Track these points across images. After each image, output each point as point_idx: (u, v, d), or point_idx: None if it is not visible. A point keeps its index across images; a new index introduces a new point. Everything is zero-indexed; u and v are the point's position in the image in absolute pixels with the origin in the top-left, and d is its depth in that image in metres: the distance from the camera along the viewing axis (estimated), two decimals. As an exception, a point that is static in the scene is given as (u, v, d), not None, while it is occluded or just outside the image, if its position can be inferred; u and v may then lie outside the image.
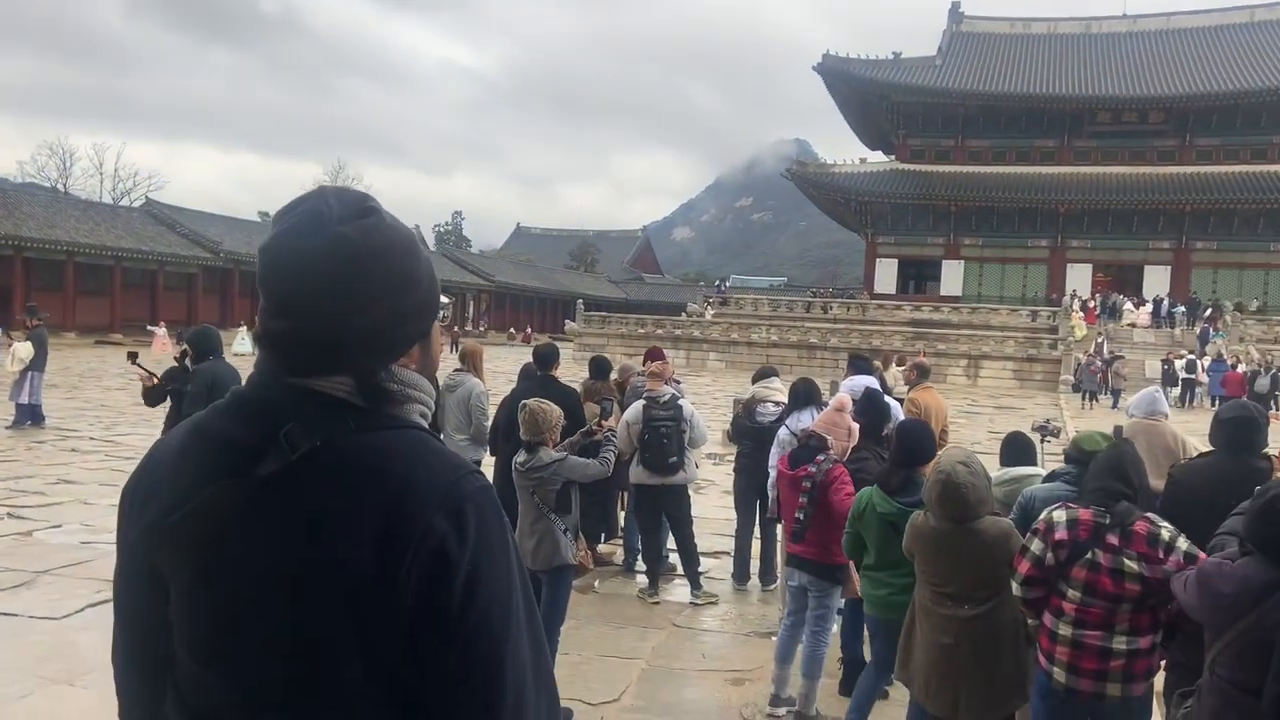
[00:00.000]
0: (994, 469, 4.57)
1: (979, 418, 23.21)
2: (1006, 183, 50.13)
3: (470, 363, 7.37)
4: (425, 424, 1.24)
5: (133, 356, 8.84)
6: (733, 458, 9.88)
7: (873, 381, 7.16)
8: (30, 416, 14.55)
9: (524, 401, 5.32)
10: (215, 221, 53.92)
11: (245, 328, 39.04)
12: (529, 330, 64.81)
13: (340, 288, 1.14)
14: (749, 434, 7.54)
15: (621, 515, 8.25)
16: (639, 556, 7.62)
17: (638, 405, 7.15)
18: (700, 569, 7.32)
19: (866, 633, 4.86)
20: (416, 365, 1.25)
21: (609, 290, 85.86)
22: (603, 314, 47.18)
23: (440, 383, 6.29)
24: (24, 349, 14.41)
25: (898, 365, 12.53)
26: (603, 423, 5.72)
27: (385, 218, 1.21)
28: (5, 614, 6.02)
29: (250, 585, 1.12)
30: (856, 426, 5.51)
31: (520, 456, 5.15)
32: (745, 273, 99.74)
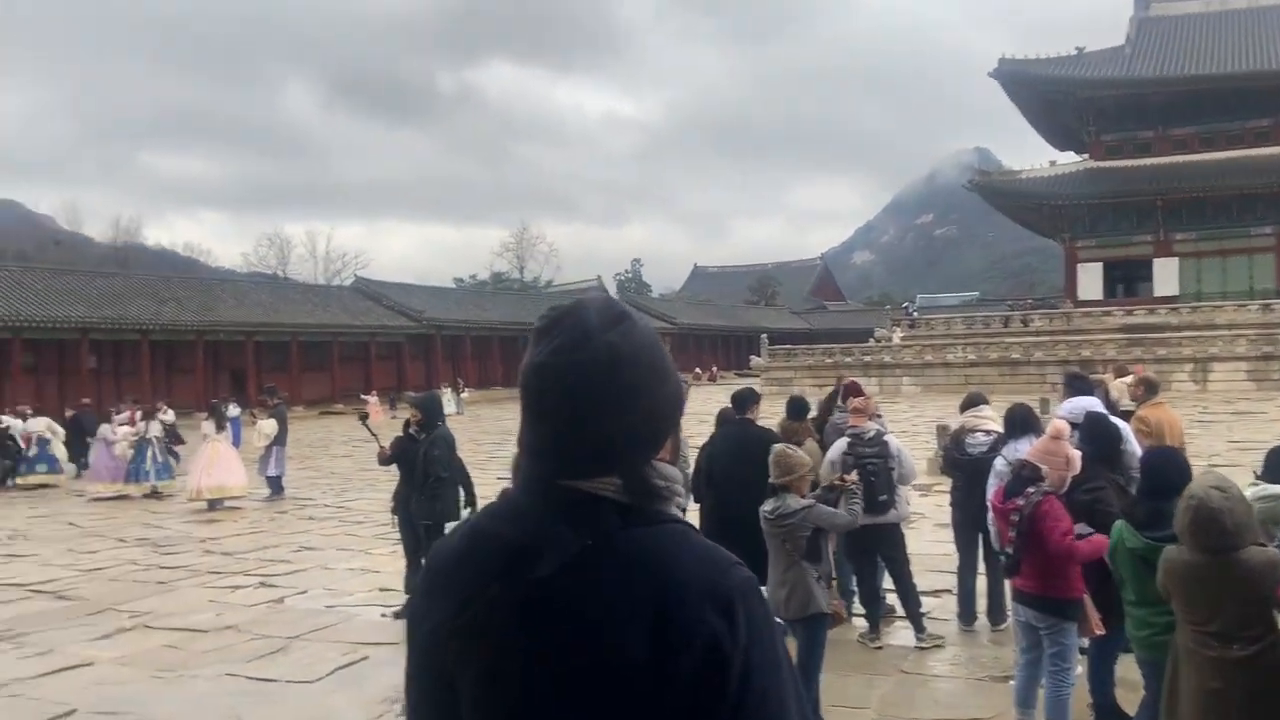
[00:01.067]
0: (1243, 484, 4.16)
1: (1215, 427, 21.26)
2: (1219, 170, 46.19)
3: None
4: (683, 515, 1.27)
5: (363, 418, 9.96)
6: (940, 488, 9.50)
7: (1095, 403, 6.69)
8: (275, 488, 15.88)
9: (774, 445, 5.42)
10: (416, 292, 57.54)
11: (450, 389, 41.23)
12: (714, 369, 65.06)
13: (611, 393, 1.20)
14: (960, 466, 7.23)
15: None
16: (854, 599, 7.41)
17: (841, 443, 6.99)
18: (922, 609, 7.03)
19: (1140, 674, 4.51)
20: (669, 456, 1.30)
21: (791, 322, 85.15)
22: (787, 347, 46.70)
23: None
24: (268, 425, 15.86)
25: (1120, 377, 11.55)
26: (845, 476, 5.68)
27: (637, 319, 1.26)
28: (264, 679, 6.50)
29: (530, 683, 1.17)
30: (1077, 455, 5.17)
31: (768, 505, 5.18)
32: (932, 291, 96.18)
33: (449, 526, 8.03)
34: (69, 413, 22.40)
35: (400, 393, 43.64)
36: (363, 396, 40.12)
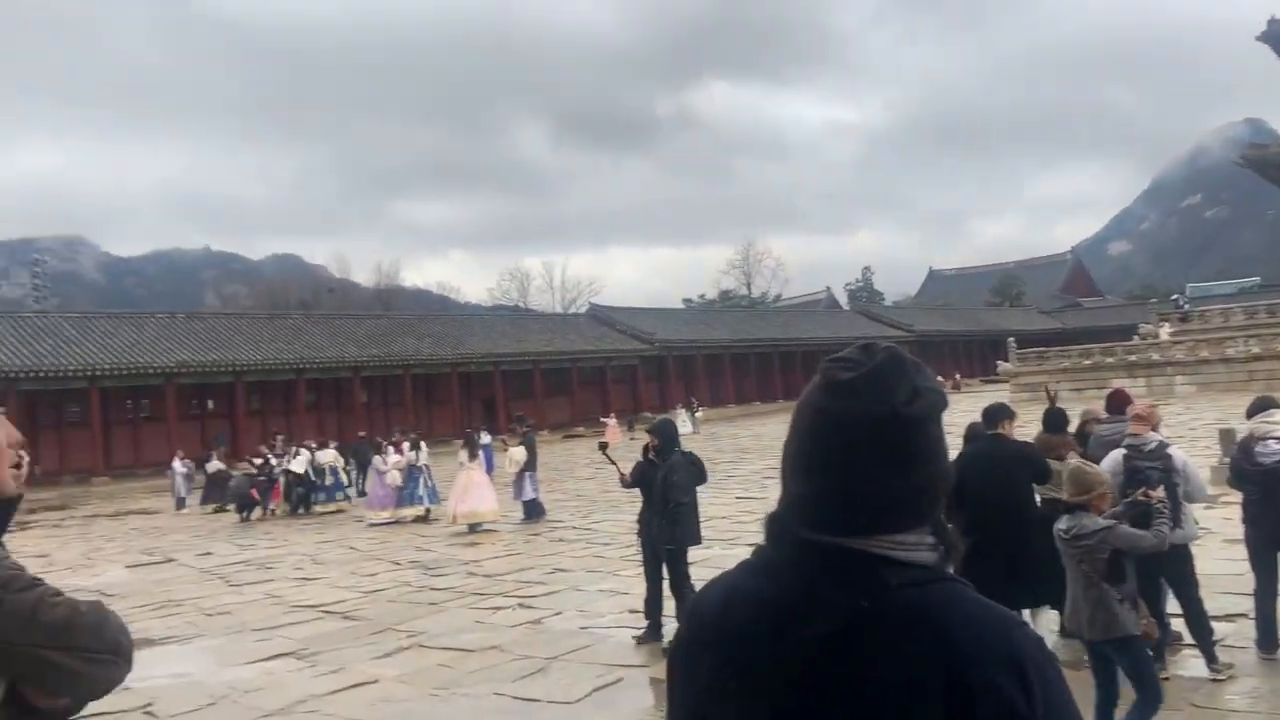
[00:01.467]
0: None
1: None
2: None
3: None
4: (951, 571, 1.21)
5: (603, 446, 10.29)
6: (1228, 499, 8.64)
7: None
8: (531, 511, 16.70)
9: (1070, 462, 5.32)
10: (646, 315, 59.07)
11: (684, 409, 41.89)
12: (958, 377, 62.12)
13: (928, 445, 1.18)
14: (1250, 478, 6.48)
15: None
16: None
17: (1116, 454, 6.42)
18: (1214, 637, 6.34)
19: None
20: None
21: (1040, 322, 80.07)
22: (1038, 350, 43.82)
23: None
24: (518, 453, 16.76)
25: None
26: (1150, 492, 5.29)
27: (924, 366, 1.25)
28: (528, 699, 6.79)
29: None
30: None
31: (1062, 524, 4.98)
32: (1203, 280, 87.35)
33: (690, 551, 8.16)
34: (333, 444, 24.60)
35: (637, 415, 44.88)
36: (602, 419, 41.48)
